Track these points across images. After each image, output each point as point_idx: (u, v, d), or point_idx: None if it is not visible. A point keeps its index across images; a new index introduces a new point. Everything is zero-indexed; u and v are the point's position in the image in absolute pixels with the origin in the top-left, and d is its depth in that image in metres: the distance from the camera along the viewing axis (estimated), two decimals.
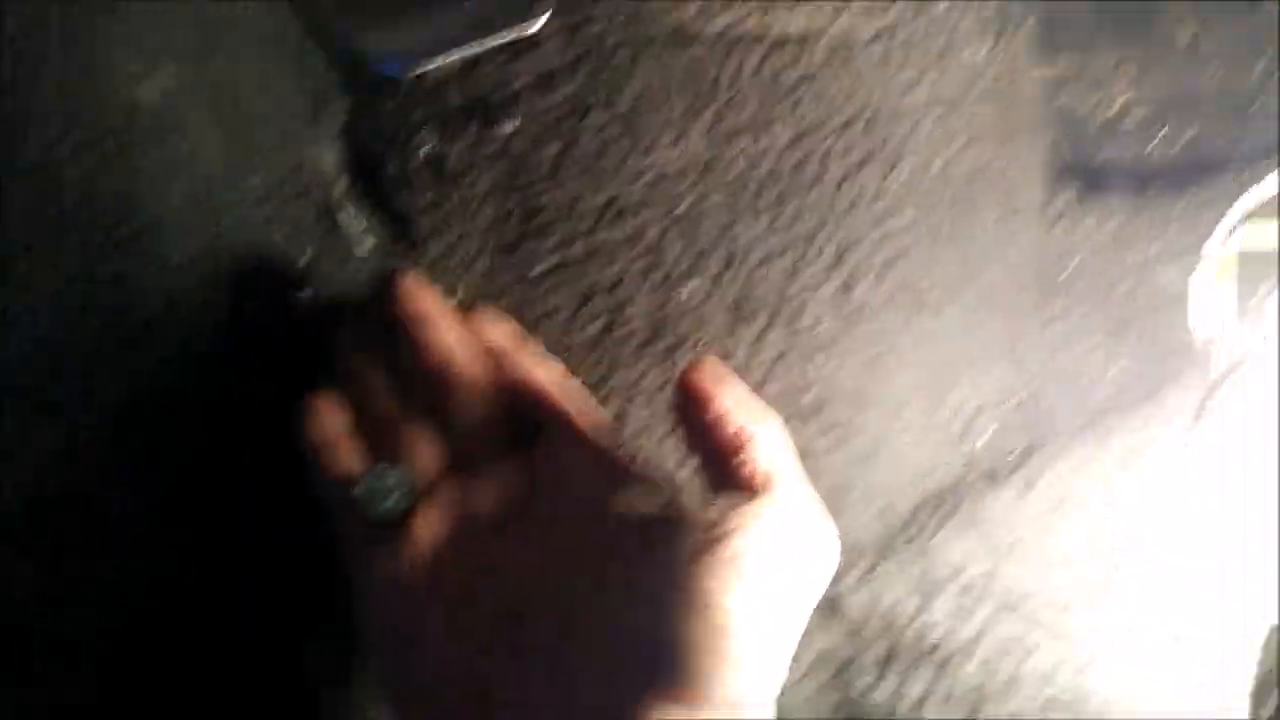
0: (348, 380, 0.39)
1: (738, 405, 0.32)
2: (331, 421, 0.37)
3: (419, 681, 0.31)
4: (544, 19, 0.35)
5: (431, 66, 0.34)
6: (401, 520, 0.34)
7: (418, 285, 0.39)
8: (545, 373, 0.39)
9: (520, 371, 0.38)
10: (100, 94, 0.40)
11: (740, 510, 0.29)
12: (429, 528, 0.33)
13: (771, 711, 0.29)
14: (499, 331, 0.41)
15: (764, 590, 0.28)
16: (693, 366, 0.33)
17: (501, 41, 0.35)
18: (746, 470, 0.31)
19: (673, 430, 0.43)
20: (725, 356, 0.45)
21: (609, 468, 0.34)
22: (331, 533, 0.36)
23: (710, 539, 0.28)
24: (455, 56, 0.34)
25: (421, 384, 0.37)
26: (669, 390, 0.43)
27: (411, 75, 0.34)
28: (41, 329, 0.38)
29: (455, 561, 0.33)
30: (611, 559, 0.30)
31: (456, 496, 0.35)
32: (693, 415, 0.33)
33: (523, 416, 0.37)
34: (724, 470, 0.31)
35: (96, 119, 0.40)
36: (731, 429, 0.32)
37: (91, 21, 0.40)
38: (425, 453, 0.36)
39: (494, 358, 0.38)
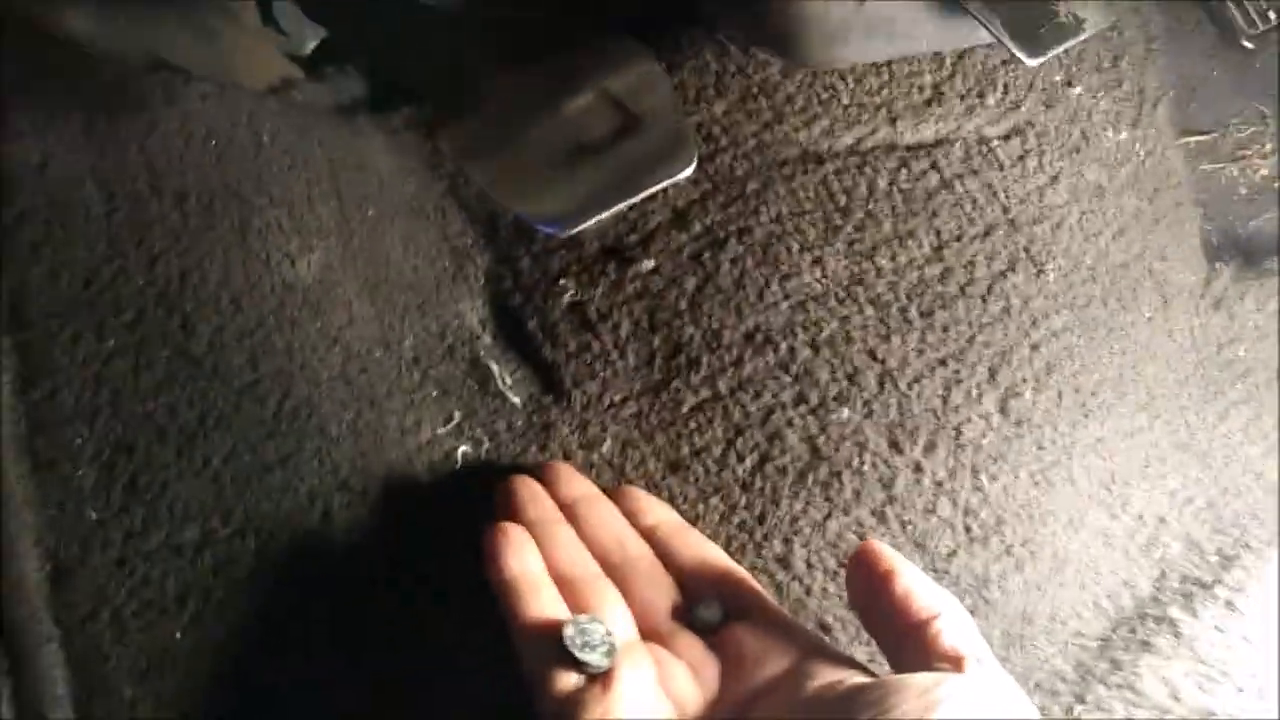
0: (530, 530, 0.38)
1: (921, 582, 0.33)
2: (525, 556, 0.37)
3: None
4: (693, 166, 0.35)
5: (592, 223, 0.34)
6: (605, 677, 0.33)
7: (574, 471, 0.42)
8: (718, 551, 0.39)
9: (699, 550, 0.39)
10: (258, 278, 0.41)
11: (951, 679, 0.29)
12: (634, 690, 0.33)
13: None
14: (662, 512, 0.41)
15: None
16: (864, 546, 0.34)
17: (655, 191, 0.35)
18: (944, 642, 0.31)
19: (839, 576, 0.42)
20: (888, 483, 0.43)
21: (805, 644, 0.34)
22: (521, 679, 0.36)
23: (925, 704, 0.28)
24: (612, 211, 0.34)
25: (599, 559, 0.38)
26: (831, 524, 0.42)
27: (572, 232, 0.35)
28: (216, 508, 0.39)
29: None
30: None
31: (652, 663, 0.34)
32: (877, 592, 0.33)
33: (706, 601, 0.37)
34: (919, 644, 0.31)
35: (257, 303, 0.41)
36: (920, 603, 0.32)
37: (249, 210, 0.41)
38: (619, 616, 0.36)
39: (659, 539, 0.39)
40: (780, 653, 0.34)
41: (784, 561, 0.42)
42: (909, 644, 0.31)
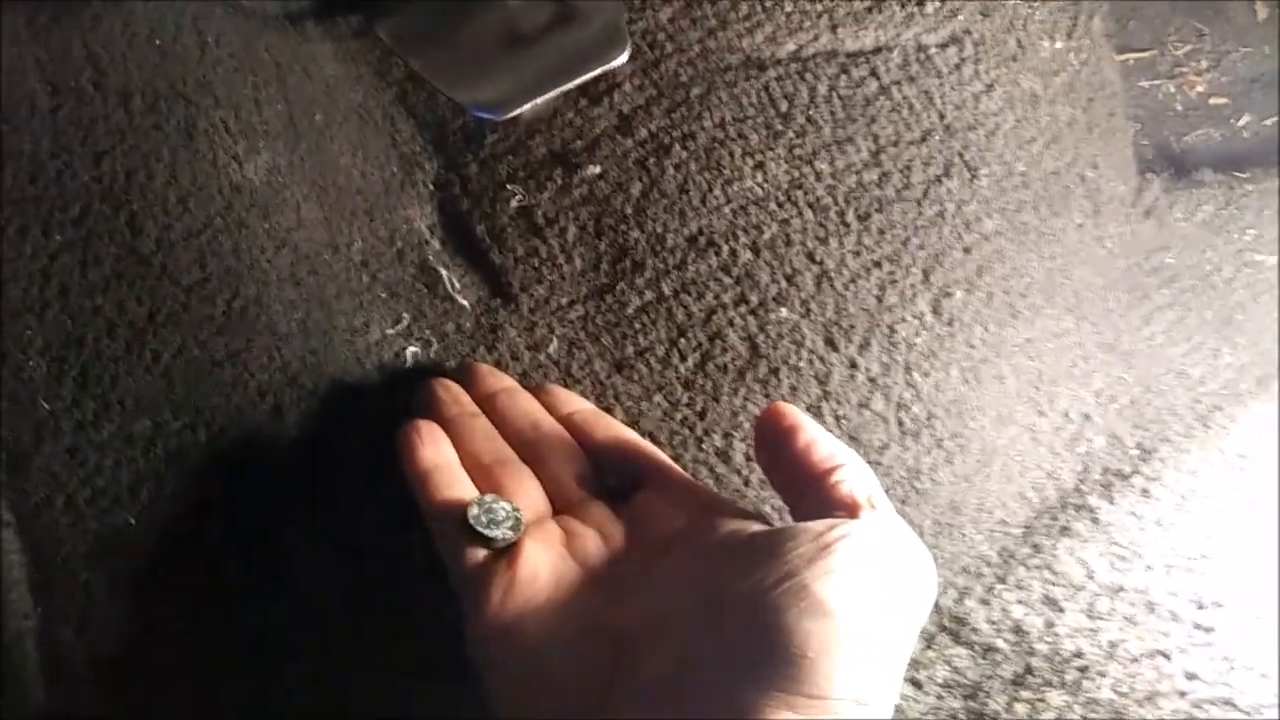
0: (445, 429, 0.40)
1: (822, 437, 0.34)
2: (439, 448, 0.39)
3: (535, 705, 0.32)
4: (627, 53, 0.35)
5: (526, 108, 0.35)
6: (512, 549, 0.35)
7: (493, 370, 0.43)
8: (630, 431, 0.41)
9: (611, 430, 0.40)
10: (205, 179, 0.42)
11: (846, 523, 0.31)
12: (539, 559, 0.35)
13: (888, 715, 0.30)
14: (576, 403, 0.42)
15: (874, 596, 0.29)
16: (772, 407, 0.35)
17: (589, 78, 0.35)
18: (842, 491, 0.32)
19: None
20: (824, 379, 0.44)
21: (708, 501, 0.36)
22: (439, 564, 0.38)
23: (820, 546, 0.29)
24: (545, 97, 0.35)
25: (515, 443, 0.39)
26: None
27: (507, 118, 0.35)
28: (166, 402, 0.40)
29: (564, 595, 0.34)
30: (721, 578, 0.31)
31: (560, 536, 0.36)
32: (780, 446, 0.34)
33: (615, 472, 0.38)
34: (819, 492, 0.33)
35: (204, 203, 0.41)
36: (822, 455, 0.33)
37: (195, 111, 0.42)
38: (528, 493, 0.38)
39: (575, 425, 0.40)
40: (685, 511, 0.35)
41: (724, 455, 0.44)
42: (809, 495, 0.33)
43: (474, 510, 0.35)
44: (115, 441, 0.39)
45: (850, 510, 0.31)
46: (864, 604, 0.29)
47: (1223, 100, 0.54)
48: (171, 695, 0.38)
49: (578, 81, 0.34)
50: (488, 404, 0.41)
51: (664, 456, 0.39)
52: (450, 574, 0.36)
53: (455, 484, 0.37)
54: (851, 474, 0.32)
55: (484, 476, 0.38)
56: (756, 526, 0.33)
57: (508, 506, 0.35)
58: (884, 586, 0.30)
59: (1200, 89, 0.54)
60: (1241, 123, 0.54)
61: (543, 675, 0.32)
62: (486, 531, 0.35)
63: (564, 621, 0.33)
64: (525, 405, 0.41)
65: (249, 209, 0.42)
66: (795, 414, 0.34)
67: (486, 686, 0.33)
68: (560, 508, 0.38)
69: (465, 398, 0.41)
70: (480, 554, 0.35)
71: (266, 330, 0.41)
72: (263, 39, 0.45)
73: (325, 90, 0.46)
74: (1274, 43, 0.54)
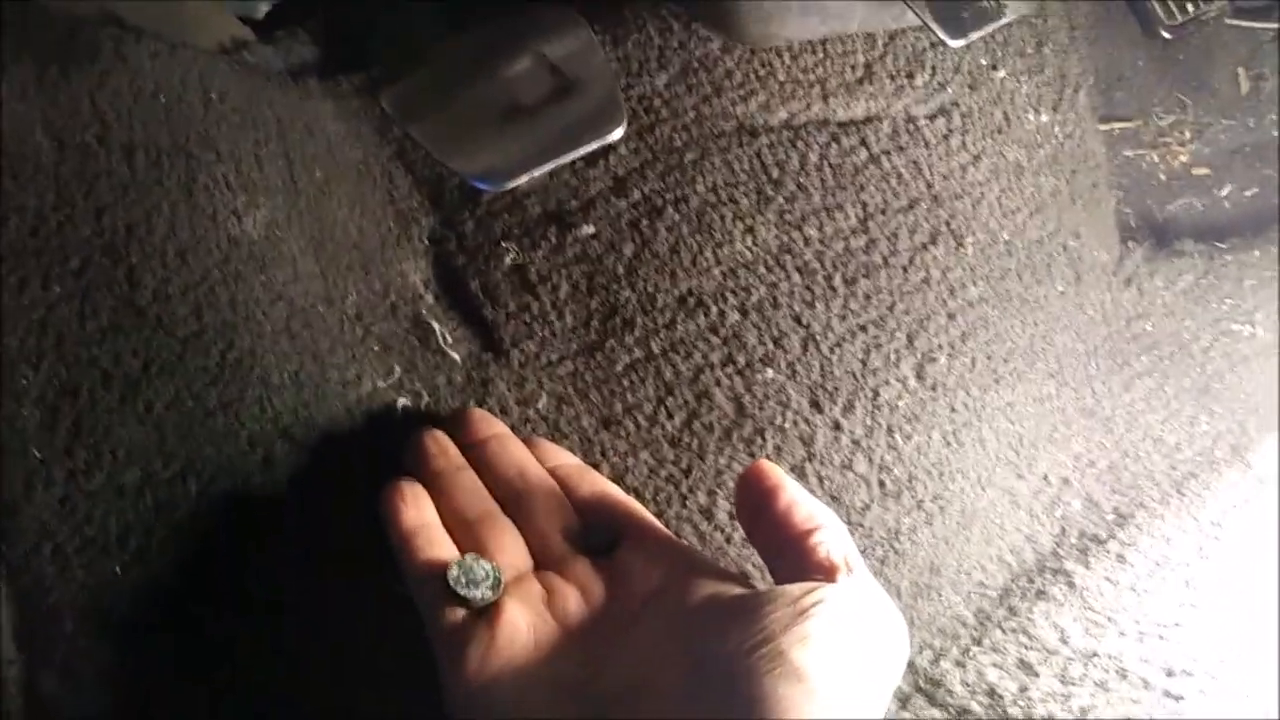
0: (431, 483, 0.41)
1: (803, 498, 0.34)
2: (421, 509, 0.39)
3: None
4: (623, 128, 0.36)
5: (523, 180, 0.36)
6: (491, 610, 0.35)
7: (486, 415, 0.43)
8: (615, 487, 0.41)
9: (596, 485, 0.40)
10: (204, 233, 0.42)
11: (822, 587, 0.31)
12: (518, 619, 0.35)
13: None
14: (563, 457, 0.43)
15: (847, 661, 0.30)
16: (754, 465, 0.35)
17: (585, 152, 0.37)
18: (820, 554, 0.32)
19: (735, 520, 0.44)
20: (808, 440, 0.45)
21: (689, 561, 0.36)
22: (419, 624, 0.38)
23: (798, 611, 0.30)
24: (543, 169, 0.36)
25: (501, 493, 0.40)
26: None
27: (504, 188, 0.36)
28: (157, 452, 0.40)
29: (543, 655, 0.34)
30: (699, 641, 0.32)
31: (541, 594, 0.37)
32: (761, 506, 0.34)
33: (599, 528, 0.39)
34: (797, 555, 0.33)
35: (202, 256, 0.42)
36: (801, 516, 0.33)
37: (196, 166, 0.43)
38: (510, 549, 0.38)
39: (560, 478, 0.41)
40: (666, 570, 0.36)
41: (708, 513, 0.45)
42: (788, 556, 0.33)
43: (454, 571, 0.35)
44: (105, 491, 0.39)
45: (828, 574, 0.32)
46: (839, 669, 0.29)
47: (1205, 170, 0.55)
48: None
49: (575, 155, 0.35)
50: (478, 451, 0.42)
51: (647, 514, 0.40)
52: (430, 634, 0.36)
53: (435, 544, 0.38)
54: (830, 536, 0.33)
55: (466, 532, 0.39)
56: (736, 589, 0.34)
57: (488, 566, 0.36)
58: (859, 651, 0.30)
59: (1183, 159, 0.56)
60: (1223, 193, 0.55)
61: None
62: (465, 592, 0.35)
63: (543, 683, 0.33)
64: (515, 453, 0.42)
65: (246, 262, 0.43)
66: (777, 474, 0.35)
67: None
68: (542, 562, 0.38)
69: (453, 450, 0.42)
70: (460, 614, 0.35)
71: (259, 382, 0.42)
72: (266, 95, 0.46)
73: (325, 146, 0.47)
74: (1256, 115, 0.56)
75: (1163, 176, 0.55)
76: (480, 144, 0.36)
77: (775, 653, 0.29)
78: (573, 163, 0.47)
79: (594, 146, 0.35)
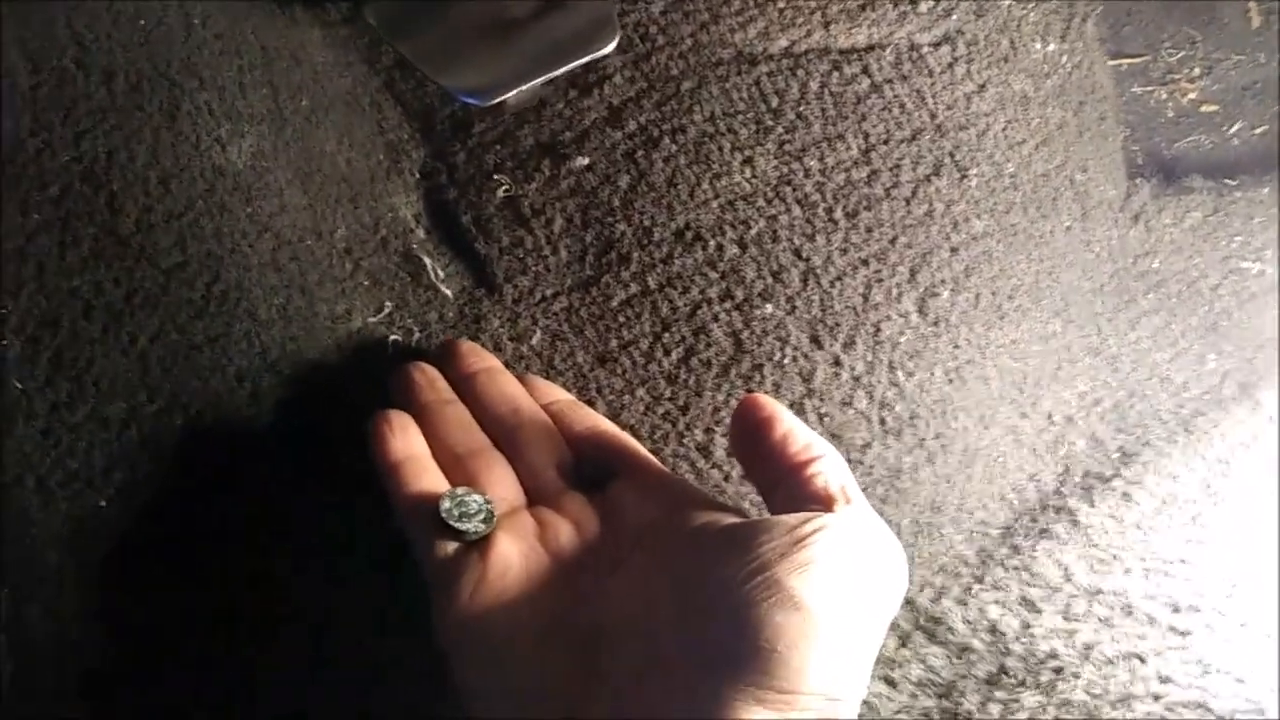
0: (419, 416, 0.40)
1: (799, 429, 0.33)
2: (410, 439, 0.38)
3: (504, 703, 0.32)
4: (615, 42, 0.35)
5: (511, 95, 0.34)
6: (483, 543, 0.35)
7: (475, 347, 0.43)
8: (609, 423, 0.40)
9: (589, 421, 0.40)
10: (187, 161, 0.41)
11: (820, 516, 0.30)
12: (511, 552, 0.34)
13: (855, 712, 0.30)
14: (556, 393, 0.42)
15: (846, 590, 0.29)
16: (748, 398, 0.34)
17: (576, 66, 0.35)
18: (818, 484, 0.32)
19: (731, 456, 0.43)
20: (807, 376, 0.44)
21: (683, 494, 0.36)
22: (408, 555, 0.37)
23: (793, 540, 0.29)
24: (531, 84, 0.34)
25: (492, 427, 0.39)
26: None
27: (491, 104, 0.35)
28: (142, 385, 0.39)
29: (536, 589, 0.34)
30: (693, 571, 0.31)
31: (534, 528, 0.36)
32: (756, 437, 0.34)
33: (592, 463, 0.38)
34: (794, 485, 0.32)
35: (185, 186, 0.41)
36: (798, 446, 0.33)
37: (178, 93, 0.41)
38: (502, 483, 0.37)
39: (553, 414, 0.40)
40: (660, 503, 0.35)
41: (705, 450, 0.44)
42: (784, 487, 0.32)
43: (446, 503, 0.34)
44: (89, 424, 0.39)
45: (825, 504, 0.31)
46: (836, 599, 0.28)
47: (1214, 107, 0.54)
48: (139, 681, 0.38)
49: (564, 70, 0.33)
50: (467, 385, 0.41)
51: (642, 449, 0.39)
52: (421, 566, 0.36)
53: (425, 475, 0.37)
54: (827, 467, 0.32)
55: (457, 466, 0.38)
56: (730, 519, 0.33)
57: (480, 499, 0.35)
58: (856, 582, 0.30)
59: (1192, 96, 0.54)
60: (1232, 130, 0.54)
61: (512, 671, 0.32)
62: (458, 525, 0.34)
63: (535, 616, 0.33)
64: (506, 388, 0.41)
65: (231, 193, 0.42)
66: (772, 405, 0.34)
67: (455, 681, 0.33)
68: (535, 498, 0.37)
69: (442, 383, 0.41)
70: (451, 547, 0.35)
71: (246, 315, 0.41)
72: (250, 22, 0.45)
73: (313, 76, 0.46)
74: (1267, 51, 0.54)
75: (1171, 113, 0.54)
76: (468, 59, 0.35)
77: (771, 581, 0.28)
78: (566, 92, 0.45)
79: (584, 61, 0.34)
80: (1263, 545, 0.45)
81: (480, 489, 0.36)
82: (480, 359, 0.42)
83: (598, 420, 0.40)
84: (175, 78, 0.42)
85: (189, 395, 0.40)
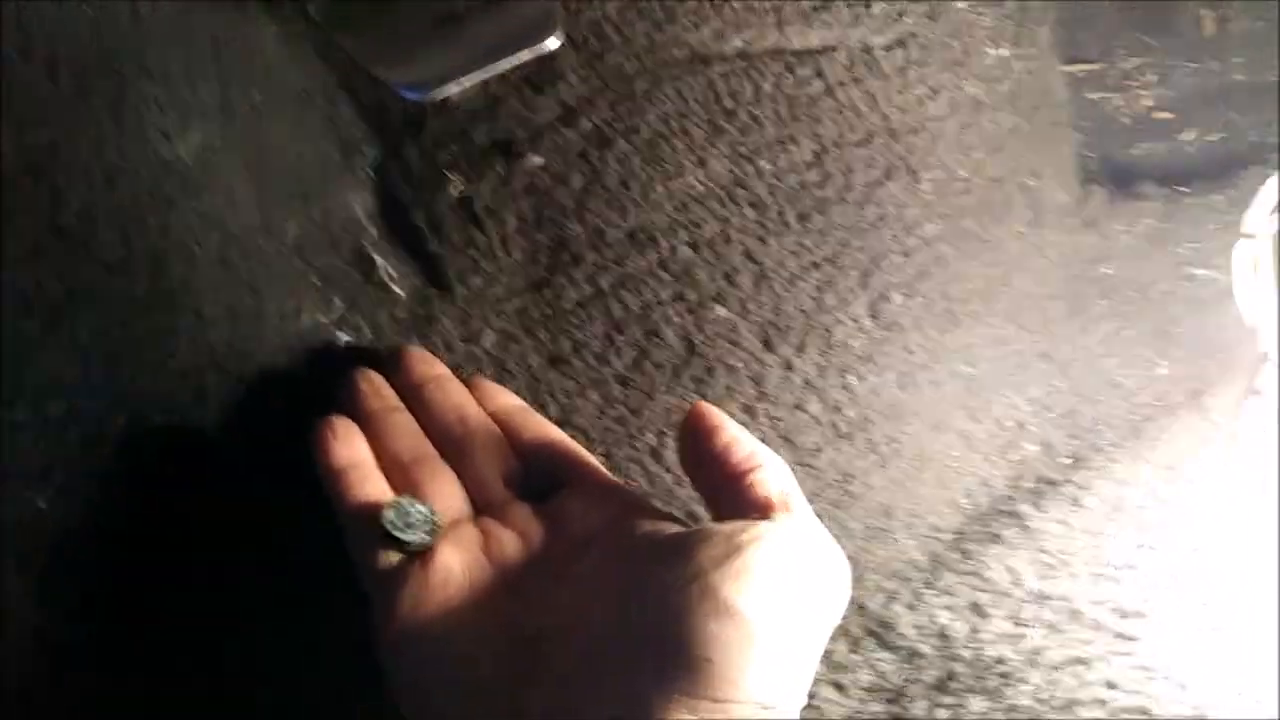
0: (365, 424, 0.39)
1: (742, 437, 0.34)
2: (354, 446, 0.38)
3: (442, 707, 0.32)
4: (558, 37, 0.35)
5: (453, 90, 0.34)
6: (426, 554, 0.34)
7: (425, 355, 0.42)
8: (558, 431, 0.40)
9: (538, 429, 0.39)
10: (133, 154, 0.41)
11: (757, 525, 0.31)
12: (453, 563, 0.34)
13: (796, 716, 0.30)
14: (505, 398, 0.42)
15: (783, 598, 0.29)
16: (694, 407, 0.35)
17: (519, 62, 0.35)
18: (758, 492, 0.32)
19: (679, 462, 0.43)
20: (759, 379, 0.44)
21: (630, 503, 0.36)
22: (347, 561, 0.37)
23: (730, 548, 0.29)
24: (473, 78, 0.34)
25: (439, 437, 0.39)
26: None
27: (432, 98, 0.35)
28: (83, 383, 0.39)
29: (478, 599, 0.34)
30: (633, 578, 0.31)
31: (478, 538, 0.36)
32: (701, 446, 0.34)
33: (540, 473, 0.38)
34: (735, 493, 0.32)
35: (130, 179, 0.40)
36: (741, 455, 0.33)
37: (124, 84, 0.41)
38: (446, 493, 0.37)
39: (502, 421, 0.40)
40: (605, 512, 0.35)
41: (656, 454, 0.44)
42: (726, 496, 0.32)
43: (389, 513, 0.34)
44: (29, 423, 0.38)
45: (764, 511, 0.31)
46: (773, 607, 0.28)
47: (1168, 114, 0.54)
48: (77, 681, 0.37)
49: (506, 65, 0.33)
50: (415, 393, 0.40)
51: (589, 457, 0.39)
52: (362, 576, 0.35)
53: (369, 483, 0.37)
54: (768, 475, 0.32)
55: (402, 475, 0.38)
56: (673, 528, 0.33)
57: (424, 510, 0.35)
58: (795, 590, 0.30)
59: (1147, 103, 0.55)
60: (1186, 137, 0.54)
61: (450, 679, 0.32)
62: (401, 535, 0.34)
63: (475, 625, 0.33)
64: (454, 396, 0.40)
65: (178, 188, 0.41)
66: (716, 414, 0.34)
67: (392, 691, 0.33)
68: (481, 508, 0.37)
69: (387, 390, 0.40)
70: (393, 557, 0.34)
71: (192, 313, 0.40)
72: (199, 13, 0.44)
73: (264, 69, 0.45)
74: (1220, 58, 0.55)
75: (1126, 120, 0.55)
76: (410, 53, 0.34)
77: (706, 589, 0.28)
78: (520, 90, 0.45)
79: (526, 56, 0.34)
80: (1209, 551, 0.46)
81: (424, 499, 0.36)
82: (429, 366, 0.42)
83: (546, 427, 0.40)
84: (122, 69, 0.42)
85: (132, 394, 0.39)
